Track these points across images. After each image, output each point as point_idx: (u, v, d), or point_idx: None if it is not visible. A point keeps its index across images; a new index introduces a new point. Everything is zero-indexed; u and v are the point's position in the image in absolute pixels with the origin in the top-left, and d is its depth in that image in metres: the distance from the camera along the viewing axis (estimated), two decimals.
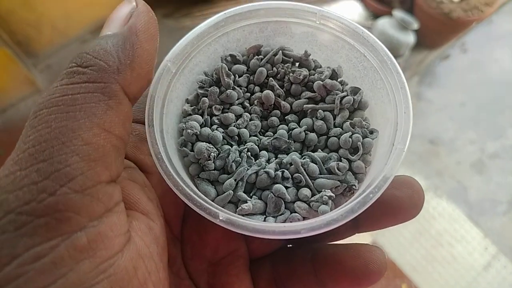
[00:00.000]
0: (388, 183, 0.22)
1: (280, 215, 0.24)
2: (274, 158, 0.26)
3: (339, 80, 0.27)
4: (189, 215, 0.27)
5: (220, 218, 0.21)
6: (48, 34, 1.15)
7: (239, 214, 0.23)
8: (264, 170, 0.24)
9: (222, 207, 0.24)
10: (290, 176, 0.24)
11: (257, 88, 0.28)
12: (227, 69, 0.27)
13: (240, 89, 0.27)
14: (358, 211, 0.21)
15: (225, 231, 0.23)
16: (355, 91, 0.27)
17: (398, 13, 1.04)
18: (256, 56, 0.28)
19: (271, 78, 0.28)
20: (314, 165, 0.25)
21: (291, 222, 0.23)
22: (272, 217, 0.24)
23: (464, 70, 1.23)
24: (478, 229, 0.99)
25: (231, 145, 0.26)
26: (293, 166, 0.25)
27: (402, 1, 1.10)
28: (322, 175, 0.25)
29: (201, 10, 0.98)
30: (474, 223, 1.00)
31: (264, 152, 0.26)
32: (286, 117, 0.27)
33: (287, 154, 0.26)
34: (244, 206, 0.23)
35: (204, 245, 0.26)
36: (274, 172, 0.24)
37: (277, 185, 0.24)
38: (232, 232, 0.21)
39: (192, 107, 0.26)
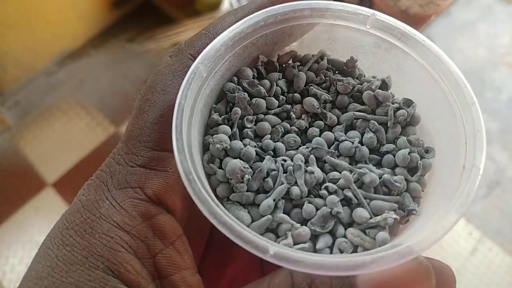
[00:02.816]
0: (468, 205, 0.19)
1: (327, 232, 0.20)
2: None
3: (389, 91, 0.24)
4: (210, 247, 0.25)
5: (270, 253, 0.17)
6: (13, 71, 1.14)
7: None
8: (310, 172, 0.21)
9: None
10: (336, 189, 0.21)
11: (296, 97, 0.24)
12: (255, 76, 0.24)
13: (276, 98, 0.24)
14: (441, 235, 0.18)
15: (245, 263, 0.22)
16: (408, 103, 0.24)
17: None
18: (292, 64, 0.25)
19: (311, 84, 0.24)
20: (373, 174, 0.21)
21: (339, 249, 0.20)
22: (318, 230, 0.20)
23: None
24: None
25: (264, 159, 0.22)
26: (341, 180, 0.21)
27: (361, 3, 1.13)
28: (377, 195, 0.21)
29: (163, 32, 0.98)
30: None
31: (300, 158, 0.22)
32: (331, 130, 0.24)
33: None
34: (283, 242, 0.20)
35: (221, 277, 0.25)
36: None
37: (331, 196, 0.21)
38: (251, 264, 0.19)
39: (222, 117, 0.23)
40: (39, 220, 1.02)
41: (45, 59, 1.21)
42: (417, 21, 1.10)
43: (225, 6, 1.07)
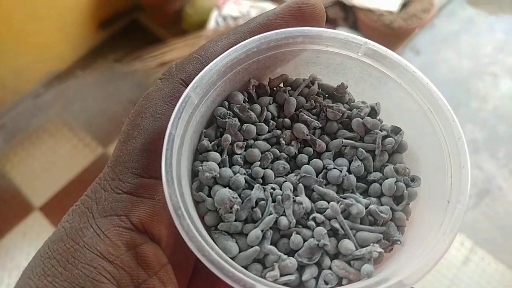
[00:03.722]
0: (452, 241, 0.20)
1: (313, 263, 0.21)
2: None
3: (377, 118, 0.25)
4: (197, 272, 0.25)
5: None
6: None
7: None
8: (298, 202, 0.22)
9: (246, 266, 0.21)
10: (324, 220, 0.21)
11: (286, 122, 0.24)
12: (246, 101, 0.24)
13: (266, 123, 0.24)
14: (428, 271, 0.19)
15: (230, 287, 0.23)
16: (396, 131, 0.24)
17: (342, 31, 1.08)
18: (283, 88, 0.25)
19: (302, 110, 0.24)
20: (360, 206, 0.22)
21: (324, 280, 0.21)
22: (305, 262, 0.21)
23: None
24: None
25: (253, 188, 0.22)
26: (328, 210, 0.22)
27: (345, 18, 1.14)
28: (363, 226, 0.22)
29: (150, 53, 0.99)
30: None
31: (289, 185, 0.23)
32: (320, 157, 0.24)
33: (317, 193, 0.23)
34: (270, 274, 0.20)
35: None
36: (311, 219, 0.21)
37: (318, 228, 0.21)
38: None
39: (212, 143, 0.23)
40: (27, 245, 0.99)
41: (31, 81, 1.20)
42: (401, 34, 1.12)
43: (212, 24, 1.08)
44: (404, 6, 1.11)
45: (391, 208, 0.23)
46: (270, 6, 1.09)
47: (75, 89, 1.22)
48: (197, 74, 0.21)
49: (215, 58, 0.22)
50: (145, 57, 0.99)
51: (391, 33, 1.09)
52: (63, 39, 1.20)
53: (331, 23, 1.15)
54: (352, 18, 1.15)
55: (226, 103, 0.24)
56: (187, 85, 0.21)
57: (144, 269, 0.20)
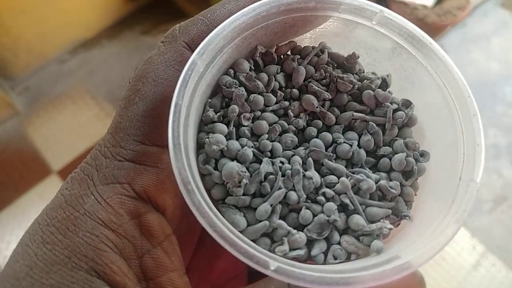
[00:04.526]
0: (464, 220, 0.19)
1: (322, 238, 0.20)
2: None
3: (387, 90, 0.24)
4: (202, 243, 0.24)
5: (271, 268, 0.17)
6: (24, 57, 1.13)
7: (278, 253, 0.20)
8: (308, 177, 0.21)
9: (254, 240, 0.20)
10: (333, 195, 0.21)
11: (294, 93, 0.23)
12: (252, 69, 0.23)
13: (274, 94, 0.23)
14: (438, 250, 0.18)
15: (233, 257, 0.21)
16: (407, 104, 0.23)
17: None
18: (292, 56, 0.24)
19: (311, 80, 0.23)
20: (370, 181, 0.21)
21: (333, 256, 0.20)
22: (314, 237, 0.20)
23: None
24: (465, 229, 1.00)
25: (261, 161, 0.21)
26: (338, 185, 0.21)
27: None
28: (373, 201, 0.21)
29: None
30: None
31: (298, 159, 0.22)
32: (329, 130, 0.23)
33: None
34: (280, 248, 0.19)
35: (211, 270, 0.25)
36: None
37: (328, 203, 0.20)
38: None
39: (218, 114, 0.22)
40: (43, 206, 1.01)
41: (57, 46, 1.19)
42: (433, 30, 1.09)
43: None
44: (439, 1, 1.08)
45: (400, 183, 0.22)
46: None
47: (100, 58, 1.22)
48: (202, 38, 0.20)
49: (221, 22, 0.20)
50: None
51: (423, 28, 1.07)
52: (91, 7, 1.20)
53: None
54: None
55: (232, 71, 0.22)
56: (191, 49, 0.20)
57: (148, 239, 0.19)
